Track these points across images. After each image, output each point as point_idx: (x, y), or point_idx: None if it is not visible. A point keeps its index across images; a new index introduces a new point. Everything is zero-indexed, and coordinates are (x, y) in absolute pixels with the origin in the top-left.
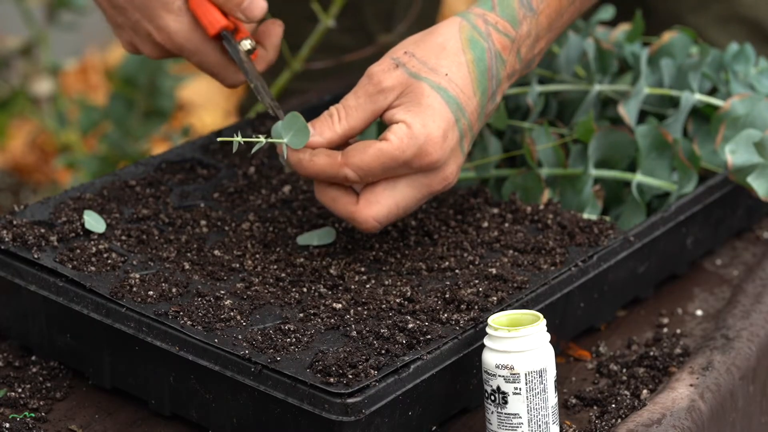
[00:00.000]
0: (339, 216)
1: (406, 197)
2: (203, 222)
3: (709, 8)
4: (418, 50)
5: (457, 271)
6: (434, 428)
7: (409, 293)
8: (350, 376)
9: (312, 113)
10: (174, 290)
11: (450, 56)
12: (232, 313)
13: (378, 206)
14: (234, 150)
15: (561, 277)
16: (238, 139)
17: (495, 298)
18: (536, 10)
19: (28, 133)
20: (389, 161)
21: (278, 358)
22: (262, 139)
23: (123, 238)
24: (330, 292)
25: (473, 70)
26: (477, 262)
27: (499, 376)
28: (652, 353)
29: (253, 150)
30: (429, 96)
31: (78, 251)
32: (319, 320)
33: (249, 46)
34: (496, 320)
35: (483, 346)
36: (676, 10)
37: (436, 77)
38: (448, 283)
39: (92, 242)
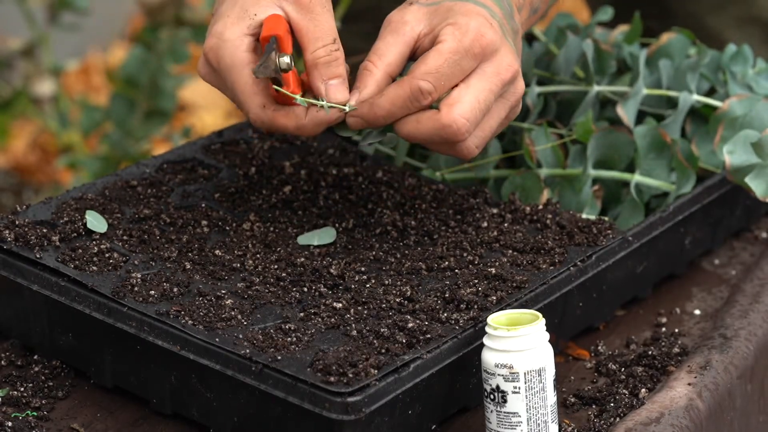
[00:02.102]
0: (427, 135)
1: (482, 89)
2: (204, 222)
3: (727, 10)
4: None
5: (456, 270)
6: (434, 427)
7: (409, 293)
8: (350, 375)
9: None
10: (175, 290)
11: None
12: (233, 313)
13: (460, 104)
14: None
15: (560, 276)
16: (299, 98)
17: (494, 298)
18: None
19: (30, 133)
20: (451, 54)
21: (279, 358)
22: (323, 102)
23: (124, 238)
24: (330, 292)
25: None
26: (476, 262)
27: (499, 375)
28: (650, 352)
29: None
30: (456, 5)
31: (80, 251)
32: (320, 320)
33: (285, 65)
34: (496, 320)
35: (482, 345)
36: (694, 11)
37: None
38: (447, 282)
39: (94, 242)
